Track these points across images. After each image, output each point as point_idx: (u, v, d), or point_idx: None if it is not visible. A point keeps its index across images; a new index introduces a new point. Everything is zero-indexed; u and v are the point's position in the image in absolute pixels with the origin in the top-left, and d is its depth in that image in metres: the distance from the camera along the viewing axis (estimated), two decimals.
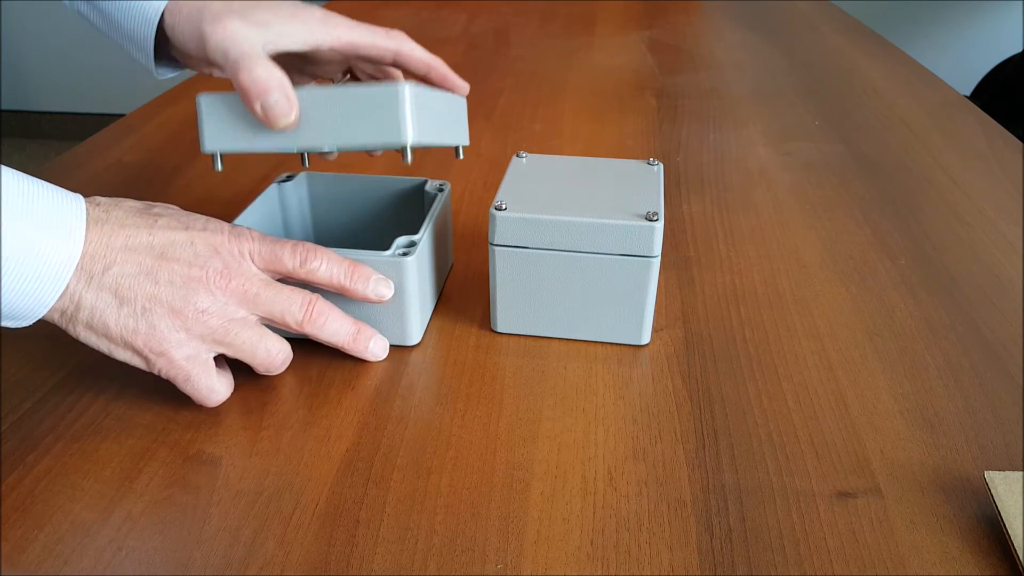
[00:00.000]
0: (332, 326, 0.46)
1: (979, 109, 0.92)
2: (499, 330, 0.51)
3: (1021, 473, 0.38)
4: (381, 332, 0.49)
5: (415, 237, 0.48)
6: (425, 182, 0.55)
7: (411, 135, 0.44)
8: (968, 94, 2.05)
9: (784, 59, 1.10)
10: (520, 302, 0.50)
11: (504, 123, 0.87)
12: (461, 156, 0.51)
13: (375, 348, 0.48)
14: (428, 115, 0.46)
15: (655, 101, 0.94)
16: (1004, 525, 0.36)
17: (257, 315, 0.44)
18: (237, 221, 0.50)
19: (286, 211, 0.56)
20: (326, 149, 0.46)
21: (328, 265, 0.45)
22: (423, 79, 0.53)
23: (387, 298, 0.47)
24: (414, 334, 0.50)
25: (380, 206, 0.57)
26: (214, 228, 0.44)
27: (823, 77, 1.03)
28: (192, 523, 0.38)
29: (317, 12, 0.49)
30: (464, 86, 0.53)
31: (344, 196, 0.57)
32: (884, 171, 0.76)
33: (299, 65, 0.53)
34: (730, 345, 0.50)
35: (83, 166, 0.75)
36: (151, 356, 0.41)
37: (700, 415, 0.45)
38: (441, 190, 0.54)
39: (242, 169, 0.74)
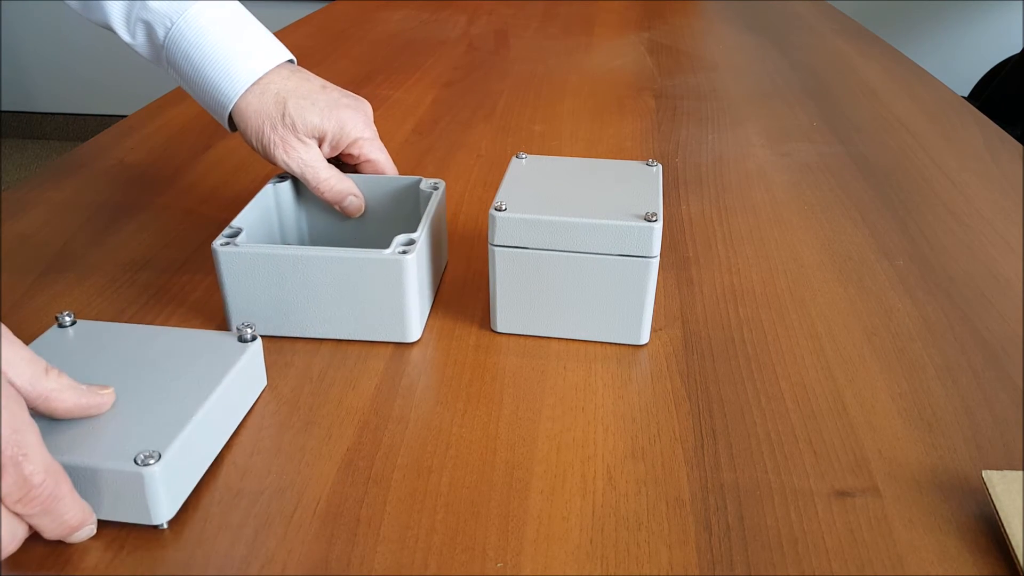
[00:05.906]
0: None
1: (976, 110, 0.93)
2: (499, 330, 0.51)
3: (1019, 472, 0.38)
4: (381, 329, 0.50)
5: (414, 235, 0.49)
6: (419, 180, 0.56)
7: None
8: (966, 95, 2.05)
9: (782, 60, 1.11)
10: (520, 302, 0.50)
11: (504, 124, 0.87)
12: None
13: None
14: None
15: (654, 102, 0.94)
16: (1002, 524, 0.36)
17: None
18: (235, 222, 0.50)
19: (281, 211, 0.56)
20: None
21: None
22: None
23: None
24: (414, 331, 0.50)
25: (374, 204, 0.57)
26: None
27: (821, 78, 1.03)
28: (193, 522, 0.38)
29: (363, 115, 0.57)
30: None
31: None
32: (882, 172, 0.76)
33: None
34: (729, 345, 0.51)
35: (85, 166, 0.75)
36: None
37: (699, 414, 0.45)
38: (436, 188, 0.55)
39: (243, 170, 0.74)
